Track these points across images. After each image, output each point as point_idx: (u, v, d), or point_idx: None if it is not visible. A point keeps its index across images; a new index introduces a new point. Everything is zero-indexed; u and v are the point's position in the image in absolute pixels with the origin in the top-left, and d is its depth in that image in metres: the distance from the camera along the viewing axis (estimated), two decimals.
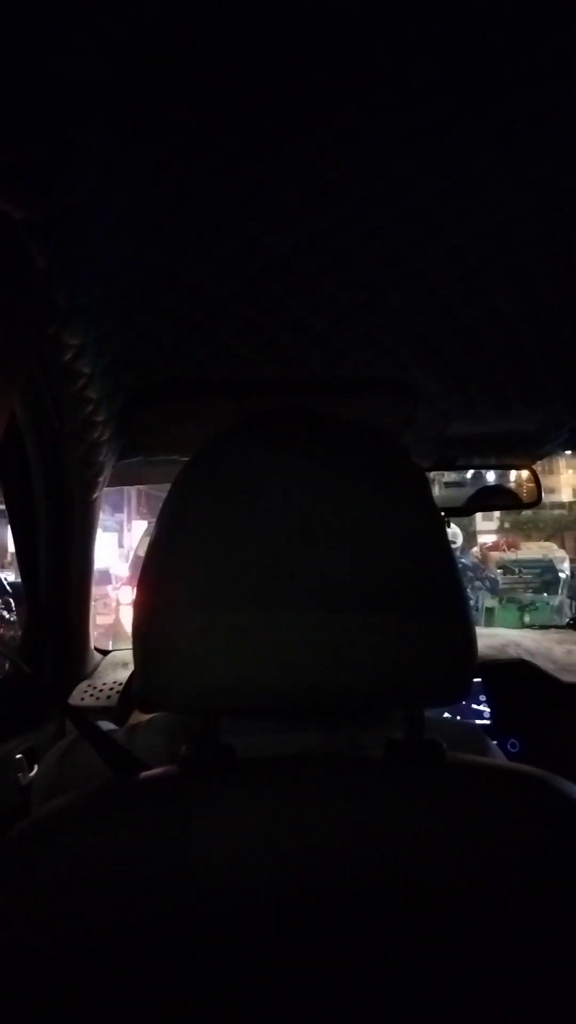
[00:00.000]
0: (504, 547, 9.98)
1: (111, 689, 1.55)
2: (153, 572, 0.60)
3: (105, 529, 9.09)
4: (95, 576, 1.67)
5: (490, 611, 8.50)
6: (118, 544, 9.06)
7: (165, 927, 0.50)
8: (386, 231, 0.97)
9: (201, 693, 0.56)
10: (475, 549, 10.07)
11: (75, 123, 0.70)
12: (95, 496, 1.48)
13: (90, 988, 0.49)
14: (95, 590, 1.68)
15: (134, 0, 0.60)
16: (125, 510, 9.91)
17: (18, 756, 1.27)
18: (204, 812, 0.54)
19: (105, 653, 1.77)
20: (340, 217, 0.93)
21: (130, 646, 0.60)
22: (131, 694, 1.48)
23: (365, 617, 0.55)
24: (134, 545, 8.85)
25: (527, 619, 8.05)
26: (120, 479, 1.61)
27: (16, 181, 0.72)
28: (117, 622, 7.13)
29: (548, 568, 9.01)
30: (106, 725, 0.82)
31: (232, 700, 0.56)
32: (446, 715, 1.46)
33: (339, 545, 0.57)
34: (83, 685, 1.58)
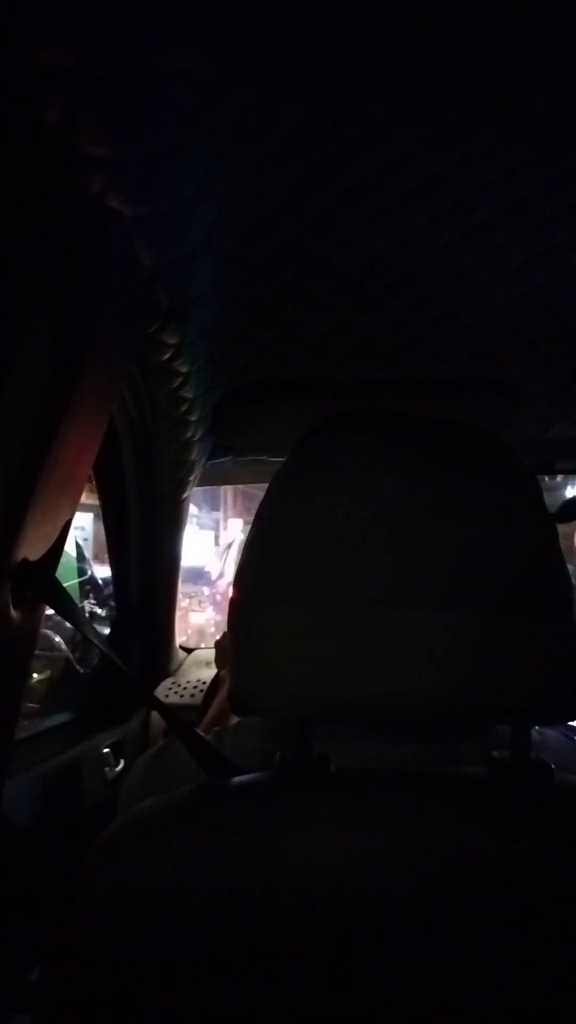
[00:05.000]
0: None
1: (195, 687, 1.56)
2: (250, 573, 0.58)
3: (201, 527, 9.23)
4: (190, 575, 1.68)
5: None
6: (214, 542, 9.20)
7: (253, 933, 0.50)
8: (488, 227, 0.93)
9: (297, 700, 0.54)
10: None
11: (184, 120, 0.69)
12: (185, 496, 1.49)
13: (177, 989, 0.49)
14: (191, 588, 1.70)
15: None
16: (221, 508, 10.06)
17: (105, 750, 1.29)
18: (298, 822, 0.53)
19: (189, 651, 1.78)
20: (440, 213, 0.90)
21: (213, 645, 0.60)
22: (215, 693, 1.48)
23: (466, 618, 0.53)
24: (230, 542, 8.96)
25: None
26: (208, 479, 1.62)
27: (127, 178, 0.71)
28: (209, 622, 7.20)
29: None
30: None
31: (328, 709, 0.54)
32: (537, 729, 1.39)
33: (441, 546, 0.54)
34: (167, 682, 1.60)
